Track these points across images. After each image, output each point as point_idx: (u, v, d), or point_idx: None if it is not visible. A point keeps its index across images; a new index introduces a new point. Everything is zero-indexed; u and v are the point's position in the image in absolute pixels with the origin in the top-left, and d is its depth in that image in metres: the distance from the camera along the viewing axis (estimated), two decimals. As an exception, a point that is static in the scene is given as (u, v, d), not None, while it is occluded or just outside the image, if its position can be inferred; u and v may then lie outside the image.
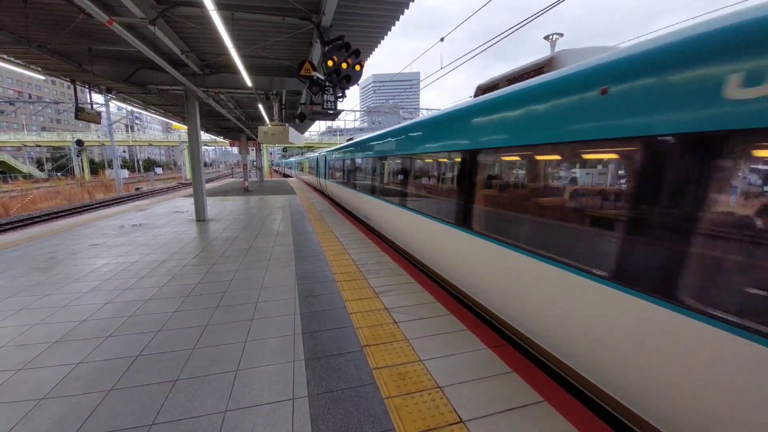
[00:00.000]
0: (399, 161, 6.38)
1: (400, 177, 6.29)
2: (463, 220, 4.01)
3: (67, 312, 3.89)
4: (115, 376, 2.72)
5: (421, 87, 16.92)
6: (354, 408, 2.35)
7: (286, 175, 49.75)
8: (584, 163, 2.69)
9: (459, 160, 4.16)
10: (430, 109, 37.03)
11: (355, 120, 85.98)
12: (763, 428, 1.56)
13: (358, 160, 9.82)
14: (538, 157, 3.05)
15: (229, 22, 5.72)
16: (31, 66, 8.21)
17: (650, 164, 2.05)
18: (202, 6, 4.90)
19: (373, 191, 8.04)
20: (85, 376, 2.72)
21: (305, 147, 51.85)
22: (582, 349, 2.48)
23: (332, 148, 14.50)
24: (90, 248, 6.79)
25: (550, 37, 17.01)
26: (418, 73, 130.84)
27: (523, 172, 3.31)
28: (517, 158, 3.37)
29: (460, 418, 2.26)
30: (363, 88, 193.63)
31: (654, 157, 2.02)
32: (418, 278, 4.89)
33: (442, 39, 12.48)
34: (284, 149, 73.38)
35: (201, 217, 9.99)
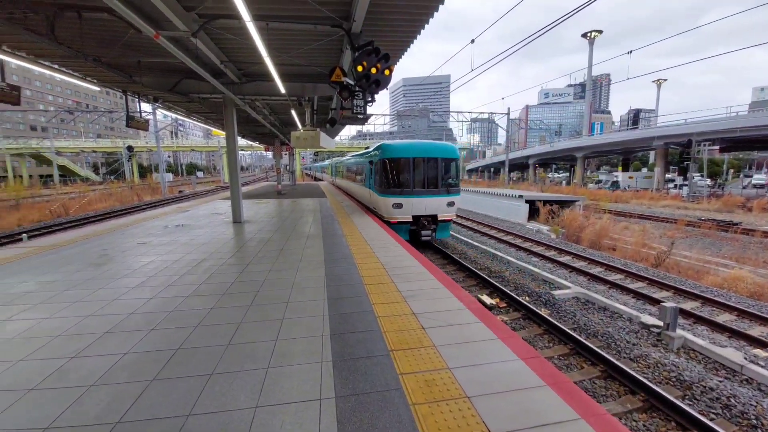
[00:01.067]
0: (345, 166, 21.06)
1: (347, 171, 19.75)
2: (362, 181, 14.29)
3: (117, 305, 4.18)
4: (156, 367, 2.88)
5: (451, 89, 16.80)
6: (380, 412, 2.34)
7: (316, 179, 50.08)
8: (365, 165, 13.75)
9: (356, 166, 16.60)
10: (461, 112, 36.57)
11: (384, 124, 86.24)
12: (360, 195, 15.04)
13: (338, 165, 25.08)
14: (358, 164, 15.79)
15: (264, 32, 5.96)
16: (88, 78, 8.99)
17: (366, 167, 13.40)
18: (239, 18, 5.13)
19: (343, 176, 22.03)
20: (130, 366, 2.90)
21: (336, 151, 52.82)
22: (359, 197, 15.65)
23: (336, 160, 29.74)
24: (138, 246, 7.29)
25: (589, 34, 16.27)
26: (448, 76, 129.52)
27: (360, 168, 15.37)
28: (361, 165, 14.90)
29: (489, 431, 2.18)
30: (393, 92, 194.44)
31: (366, 166, 13.46)
32: (447, 283, 4.80)
33: (472, 41, 12.31)
34: (315, 153, 75.18)
35: (237, 219, 10.42)
